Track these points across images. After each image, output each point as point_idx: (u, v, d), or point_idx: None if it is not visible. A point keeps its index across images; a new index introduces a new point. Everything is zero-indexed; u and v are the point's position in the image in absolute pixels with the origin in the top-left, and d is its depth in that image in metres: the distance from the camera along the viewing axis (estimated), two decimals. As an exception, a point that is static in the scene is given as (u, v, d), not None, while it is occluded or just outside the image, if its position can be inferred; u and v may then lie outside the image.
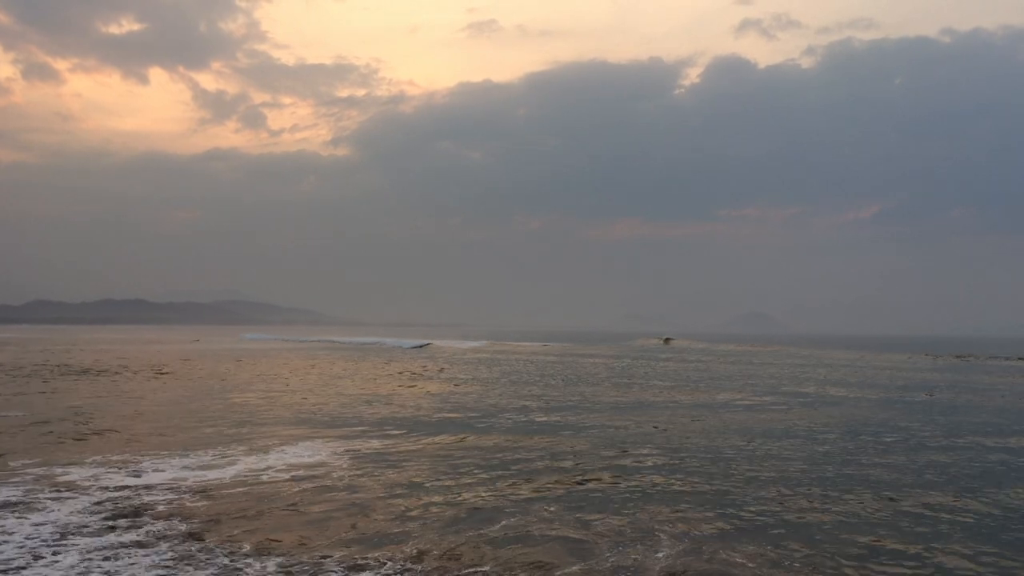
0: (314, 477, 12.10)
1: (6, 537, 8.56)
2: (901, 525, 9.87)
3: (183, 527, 9.13)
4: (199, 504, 10.26)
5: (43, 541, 8.45)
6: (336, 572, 7.74)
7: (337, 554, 8.28)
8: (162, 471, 12.33)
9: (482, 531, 9.21)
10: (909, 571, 8.18)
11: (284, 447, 14.82)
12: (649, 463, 13.74)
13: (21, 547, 8.22)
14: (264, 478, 11.99)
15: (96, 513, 9.64)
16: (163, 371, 36.07)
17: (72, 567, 7.65)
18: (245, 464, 13.03)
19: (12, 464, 12.72)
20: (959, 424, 20.13)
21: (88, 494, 10.63)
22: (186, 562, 7.89)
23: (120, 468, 12.50)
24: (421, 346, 75.49)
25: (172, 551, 8.22)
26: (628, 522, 9.70)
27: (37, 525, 9.06)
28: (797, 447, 15.77)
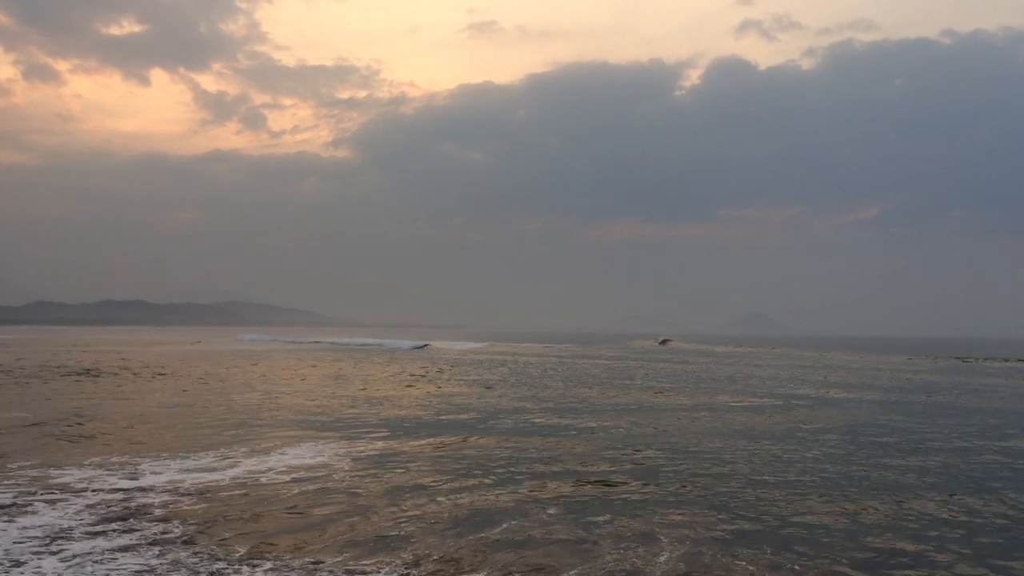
0: (315, 479, 12.01)
1: (-8, 542, 8.34)
2: (903, 527, 9.79)
3: (177, 531, 9.02)
4: (196, 507, 10.16)
5: (28, 546, 8.25)
6: (332, 578, 7.63)
7: (331, 560, 8.15)
8: (160, 473, 12.23)
9: (482, 534, 9.12)
10: (911, 573, 8.11)
11: (285, 449, 14.73)
12: (650, 465, 13.66)
13: (7, 552, 8.04)
14: (264, 480, 11.89)
15: (88, 517, 9.50)
16: (164, 372, 35.99)
17: (54, 572, 7.48)
18: (245, 466, 12.93)
19: (10, 466, 12.62)
20: (960, 426, 20.05)
21: (82, 497, 10.52)
22: (173, 568, 7.72)
23: (118, 470, 12.40)
24: (420, 347, 75.46)
25: (161, 556, 8.05)
26: (629, 525, 9.62)
27: (25, 529, 8.90)
28: (798, 449, 15.69)
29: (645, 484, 12.04)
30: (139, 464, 12.94)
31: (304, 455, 14.08)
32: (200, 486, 11.36)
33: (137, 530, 8.98)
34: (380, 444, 15.59)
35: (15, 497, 10.40)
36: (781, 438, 17.17)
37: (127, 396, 24.58)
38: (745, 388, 31.73)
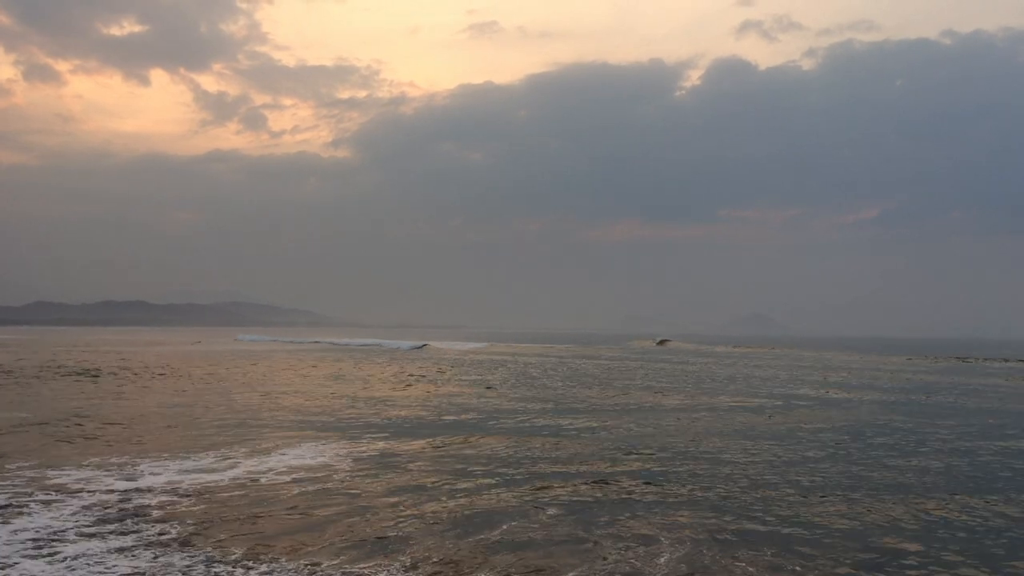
0: (315, 480, 11.96)
1: (-18, 545, 8.19)
2: (903, 527, 9.75)
3: (174, 532, 8.96)
4: (194, 508, 10.10)
5: (19, 549, 8.10)
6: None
7: (328, 562, 8.09)
8: (159, 474, 12.17)
9: (482, 536, 9.07)
10: (913, 574, 8.07)
11: (285, 449, 14.69)
12: (650, 466, 13.61)
13: (-3, 555, 7.91)
14: (263, 481, 11.84)
15: (84, 518, 9.43)
16: (164, 373, 35.94)
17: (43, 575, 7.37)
18: (245, 467, 12.88)
19: (8, 466, 12.57)
20: (960, 426, 20.01)
21: (79, 498, 10.46)
22: (166, 571, 7.62)
23: (117, 471, 12.35)
24: (420, 348, 75.42)
25: (154, 559, 7.94)
26: (629, 526, 9.58)
27: (17, 531, 8.77)
28: (798, 449, 15.65)
29: (645, 485, 11.99)
30: (138, 465, 12.89)
31: (304, 455, 14.03)
32: (199, 487, 11.31)
33: (133, 532, 8.91)
34: (380, 444, 15.54)
35: (10, 498, 10.34)
36: (781, 438, 17.13)
37: (127, 396, 24.53)
38: (745, 388, 31.68)
